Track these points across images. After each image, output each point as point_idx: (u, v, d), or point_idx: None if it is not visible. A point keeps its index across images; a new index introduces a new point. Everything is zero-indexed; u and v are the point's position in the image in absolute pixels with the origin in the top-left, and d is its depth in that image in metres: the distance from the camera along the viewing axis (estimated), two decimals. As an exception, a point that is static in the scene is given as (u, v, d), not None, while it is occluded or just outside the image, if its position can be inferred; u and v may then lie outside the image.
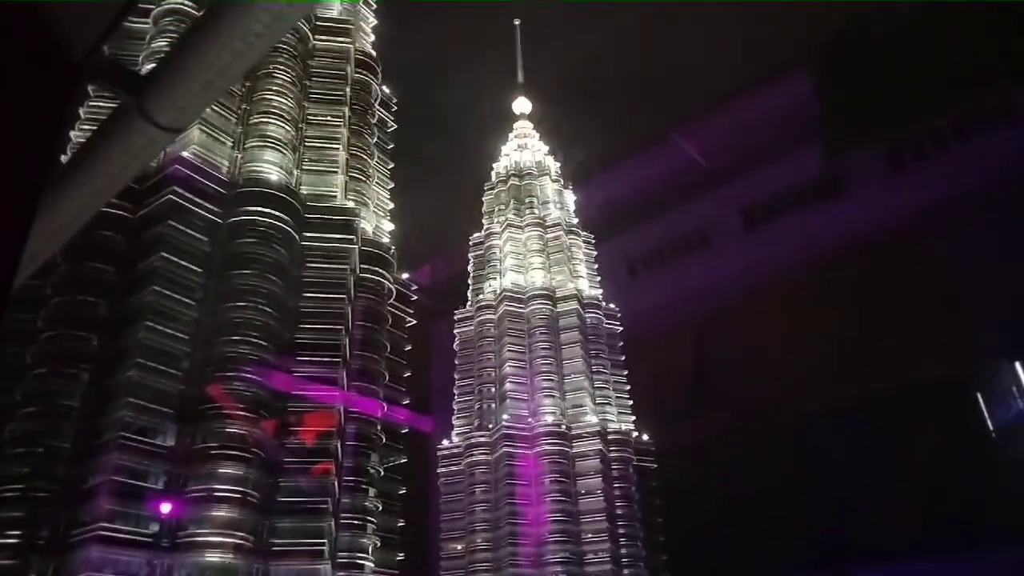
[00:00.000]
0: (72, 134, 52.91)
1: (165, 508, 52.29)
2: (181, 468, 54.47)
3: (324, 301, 65.40)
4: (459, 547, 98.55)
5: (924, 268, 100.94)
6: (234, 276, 60.08)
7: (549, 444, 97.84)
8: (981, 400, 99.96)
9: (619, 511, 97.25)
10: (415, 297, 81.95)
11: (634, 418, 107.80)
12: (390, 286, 73.61)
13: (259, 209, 62.48)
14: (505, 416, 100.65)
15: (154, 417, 54.23)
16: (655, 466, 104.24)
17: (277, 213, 63.25)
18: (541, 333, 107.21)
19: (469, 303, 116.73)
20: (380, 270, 72.31)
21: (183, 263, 58.33)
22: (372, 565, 62.41)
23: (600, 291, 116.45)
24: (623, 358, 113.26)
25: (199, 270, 59.53)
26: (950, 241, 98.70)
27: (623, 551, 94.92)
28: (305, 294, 65.37)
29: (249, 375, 57.15)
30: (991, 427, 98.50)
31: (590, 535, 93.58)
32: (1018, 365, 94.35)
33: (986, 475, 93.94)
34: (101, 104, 58.32)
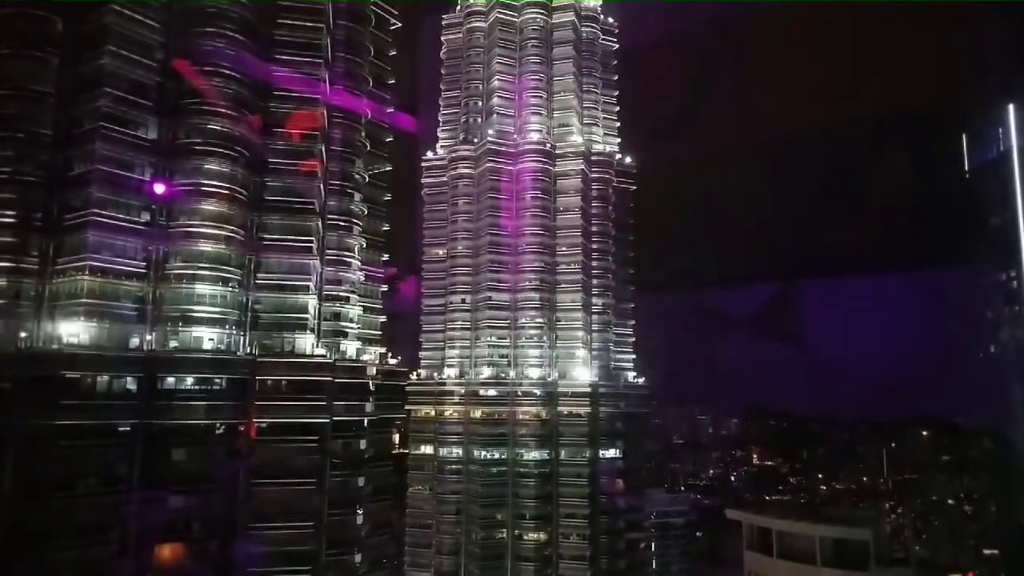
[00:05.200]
0: None
1: (159, 188, 53.53)
2: (166, 162, 54.81)
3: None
4: (441, 252, 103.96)
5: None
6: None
7: (532, 161, 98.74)
8: (964, 138, 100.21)
9: (594, 228, 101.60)
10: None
11: (619, 140, 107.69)
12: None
13: None
14: (491, 131, 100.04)
15: (133, 109, 53.22)
16: (634, 187, 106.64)
17: None
18: (533, 46, 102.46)
19: (458, 6, 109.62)
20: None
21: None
22: (358, 263, 66.01)
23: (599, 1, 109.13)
24: (616, 77, 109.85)
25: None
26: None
27: (594, 264, 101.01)
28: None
29: (228, 70, 55.17)
30: (966, 166, 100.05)
31: (564, 249, 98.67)
32: (1011, 107, 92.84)
33: (951, 207, 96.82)
34: None
